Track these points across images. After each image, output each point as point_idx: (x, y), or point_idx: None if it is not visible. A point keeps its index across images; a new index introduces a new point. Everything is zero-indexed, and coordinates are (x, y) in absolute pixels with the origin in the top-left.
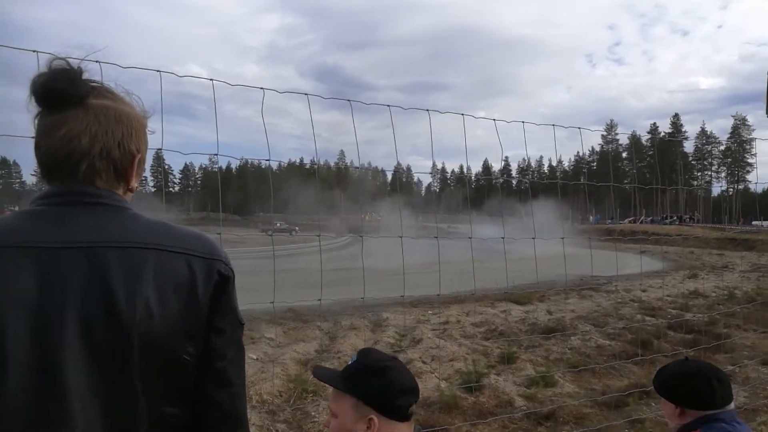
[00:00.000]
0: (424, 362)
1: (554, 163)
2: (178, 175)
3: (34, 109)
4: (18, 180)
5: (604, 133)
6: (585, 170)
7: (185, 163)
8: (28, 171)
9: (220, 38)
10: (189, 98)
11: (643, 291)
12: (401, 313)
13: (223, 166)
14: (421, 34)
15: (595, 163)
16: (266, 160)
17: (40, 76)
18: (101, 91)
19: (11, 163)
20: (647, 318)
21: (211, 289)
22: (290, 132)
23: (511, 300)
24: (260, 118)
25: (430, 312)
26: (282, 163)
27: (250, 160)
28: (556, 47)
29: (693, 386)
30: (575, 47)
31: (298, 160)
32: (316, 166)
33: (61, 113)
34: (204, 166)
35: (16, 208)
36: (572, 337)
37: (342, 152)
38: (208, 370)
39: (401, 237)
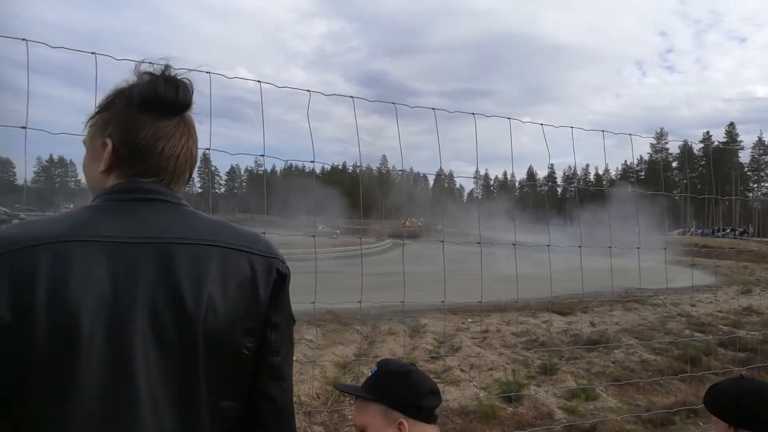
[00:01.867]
0: (462, 370)
1: (601, 171)
2: (224, 177)
3: (127, 107)
4: (74, 179)
5: (654, 141)
6: (633, 179)
7: (231, 165)
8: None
9: (268, 44)
10: (237, 102)
11: (692, 305)
12: (440, 320)
13: (268, 168)
14: (466, 40)
15: (643, 172)
16: (311, 161)
17: (167, 82)
18: None
19: (68, 162)
20: (696, 333)
21: (270, 286)
22: (333, 136)
23: (553, 310)
24: (305, 122)
25: (469, 320)
26: (325, 167)
27: (294, 163)
28: (605, 54)
29: (748, 405)
30: (625, 54)
31: (340, 164)
32: (358, 170)
33: (172, 120)
34: (249, 168)
35: (71, 206)
36: (616, 350)
37: (384, 157)
38: (264, 365)
39: (443, 242)
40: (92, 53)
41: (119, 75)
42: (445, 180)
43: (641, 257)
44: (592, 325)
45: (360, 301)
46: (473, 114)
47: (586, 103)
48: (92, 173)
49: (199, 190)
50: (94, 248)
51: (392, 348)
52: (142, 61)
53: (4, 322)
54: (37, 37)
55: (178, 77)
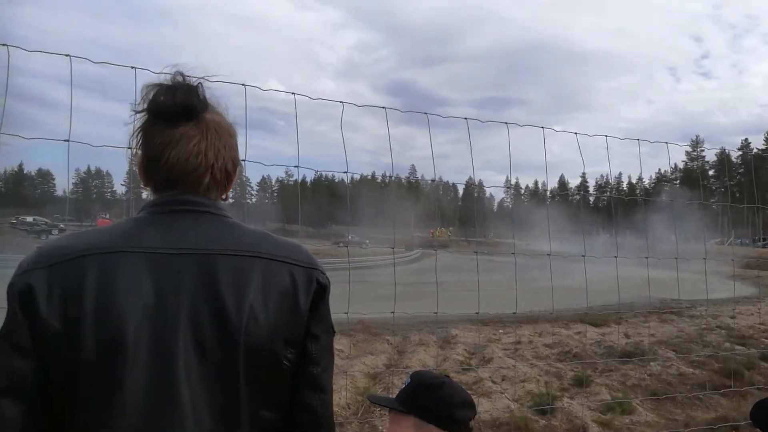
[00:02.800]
0: (494, 382)
1: (634, 180)
2: (255, 187)
3: (145, 118)
4: (110, 189)
5: (689, 149)
6: (667, 187)
7: (263, 176)
8: (119, 181)
9: (298, 55)
10: (268, 113)
11: (732, 318)
12: (471, 331)
13: (299, 179)
14: (494, 48)
15: (678, 181)
16: (344, 172)
17: (168, 89)
18: (212, 106)
19: (105, 173)
20: (737, 347)
21: (310, 297)
22: (362, 146)
23: (587, 321)
24: (335, 132)
25: (501, 331)
26: (354, 177)
27: (324, 174)
28: (636, 60)
29: None
30: (657, 60)
31: (370, 174)
32: (389, 179)
33: (183, 126)
34: (281, 179)
35: (107, 215)
36: (652, 363)
37: (413, 166)
38: (304, 376)
39: (476, 253)
40: (132, 67)
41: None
42: (475, 189)
43: (678, 267)
44: (627, 336)
45: (393, 312)
46: (506, 123)
47: (618, 110)
48: (142, 183)
49: (231, 201)
50: (139, 259)
51: (423, 359)
52: (178, 73)
53: (55, 329)
54: (75, 52)
55: (185, 82)
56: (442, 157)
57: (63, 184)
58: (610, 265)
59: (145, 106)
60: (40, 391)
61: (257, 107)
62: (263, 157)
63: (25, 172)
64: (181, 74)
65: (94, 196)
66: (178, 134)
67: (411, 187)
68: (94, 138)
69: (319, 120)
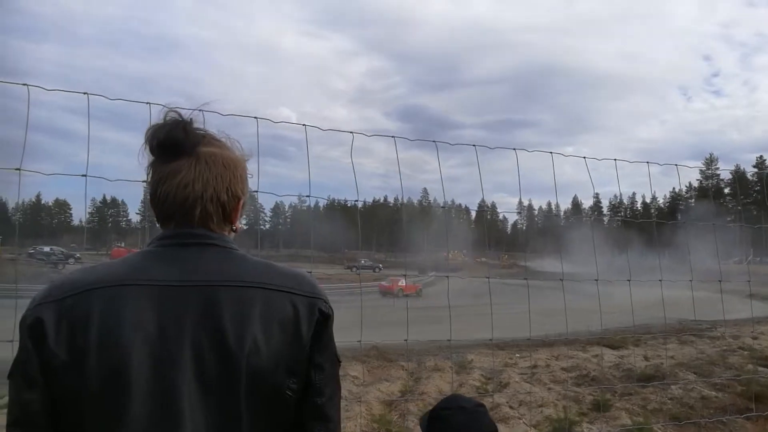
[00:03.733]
0: (511, 407)
1: (648, 200)
2: (268, 213)
3: (149, 157)
4: (124, 218)
5: (703, 167)
6: (682, 207)
7: (276, 202)
8: (134, 210)
9: (309, 83)
10: (280, 140)
11: (755, 338)
12: (487, 355)
13: (312, 205)
14: (504, 72)
15: (693, 200)
16: (355, 201)
17: (156, 128)
18: (209, 139)
19: (120, 202)
20: (760, 368)
21: (312, 326)
22: (374, 171)
23: (603, 344)
24: (346, 158)
25: (517, 355)
26: (366, 202)
27: (335, 198)
28: (647, 81)
29: None
30: (668, 80)
31: (381, 198)
32: (401, 204)
33: (175, 162)
34: (293, 204)
35: (122, 244)
36: (673, 386)
37: (425, 190)
38: (307, 406)
39: (488, 278)
40: (147, 103)
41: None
42: (487, 212)
43: (695, 287)
44: (646, 359)
45: (407, 339)
46: (514, 149)
47: (630, 130)
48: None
49: (245, 227)
50: (144, 292)
51: (439, 385)
52: (170, 109)
53: (62, 361)
54: (93, 84)
55: (175, 118)
56: (453, 180)
57: (79, 213)
58: (623, 286)
59: (146, 145)
60: (49, 421)
61: (269, 134)
62: (276, 183)
63: (42, 202)
64: (175, 111)
65: (110, 225)
66: (168, 169)
67: (423, 210)
68: (110, 168)
69: (331, 146)
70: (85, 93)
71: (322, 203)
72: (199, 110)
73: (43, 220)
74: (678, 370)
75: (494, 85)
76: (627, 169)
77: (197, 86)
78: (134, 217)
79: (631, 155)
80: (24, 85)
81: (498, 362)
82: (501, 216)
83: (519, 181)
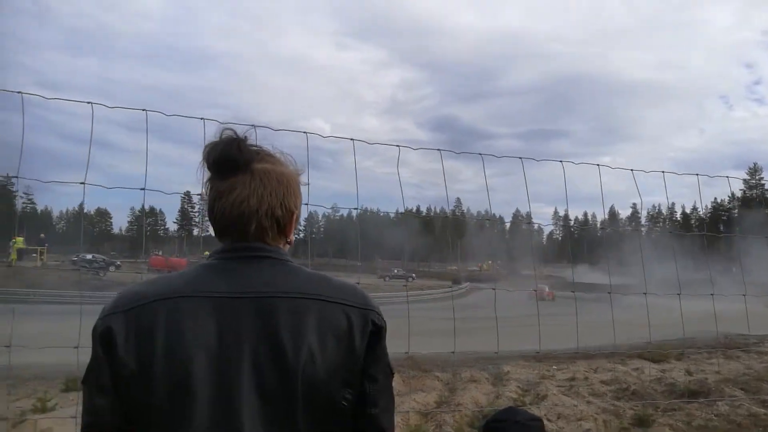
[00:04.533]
0: (549, 420)
1: (688, 210)
2: (302, 223)
3: (206, 173)
4: (162, 227)
5: (747, 177)
6: (725, 217)
7: (309, 212)
8: (171, 219)
9: (341, 94)
10: (314, 151)
11: None
12: (524, 367)
13: (345, 214)
14: (537, 82)
15: (736, 210)
16: (393, 213)
17: (212, 145)
18: (263, 155)
19: (158, 211)
20: None
21: (366, 337)
22: (408, 180)
23: (644, 357)
24: (378, 168)
25: (554, 367)
26: (400, 211)
27: (368, 208)
28: (685, 90)
29: None
30: (707, 88)
31: (414, 208)
32: (434, 214)
33: (231, 178)
34: (326, 214)
35: (160, 252)
36: (719, 402)
37: (458, 200)
38: (362, 417)
39: (535, 291)
40: (201, 119)
41: (208, 130)
42: (522, 222)
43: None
44: (689, 373)
45: (454, 351)
46: (561, 162)
47: (667, 140)
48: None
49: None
50: (204, 303)
51: (475, 396)
52: (225, 127)
53: (131, 370)
54: (133, 98)
55: (230, 136)
56: (490, 190)
57: (118, 222)
58: (666, 299)
59: (203, 162)
60: (119, 426)
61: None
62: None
63: (85, 211)
64: (230, 129)
65: (148, 233)
66: (224, 186)
67: (457, 220)
68: (151, 178)
69: (365, 156)
70: (143, 110)
71: (355, 213)
72: (252, 126)
73: (85, 229)
74: (724, 386)
75: (526, 95)
76: (667, 180)
77: (232, 99)
78: (172, 226)
79: (668, 165)
80: (89, 103)
81: (535, 374)
82: (536, 226)
83: (565, 191)
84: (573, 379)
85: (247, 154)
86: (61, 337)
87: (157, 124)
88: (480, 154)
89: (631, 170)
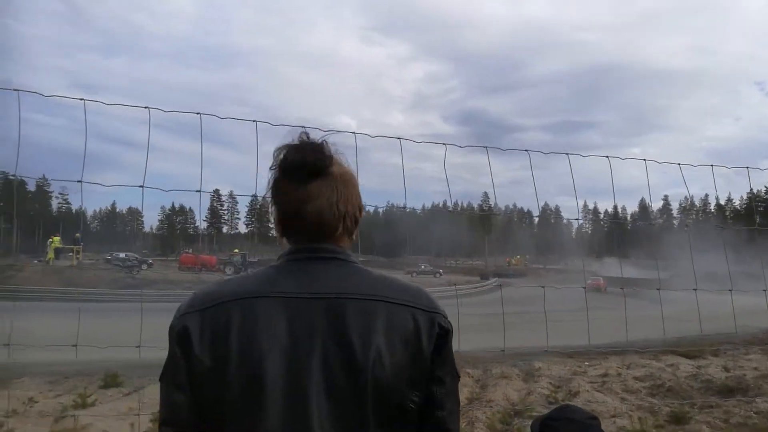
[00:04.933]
0: None
1: (722, 201)
2: None
3: (275, 175)
4: (192, 225)
5: None
6: (761, 208)
7: None
8: (201, 217)
9: (367, 90)
10: (340, 147)
11: None
12: (555, 363)
13: (371, 210)
14: (564, 72)
15: None
16: (420, 211)
17: (291, 149)
18: (335, 158)
19: (188, 210)
20: None
21: (433, 340)
22: (434, 175)
23: (678, 353)
24: (407, 163)
25: (586, 363)
26: (425, 206)
27: (395, 204)
28: (718, 76)
29: None
30: (742, 75)
31: (441, 203)
32: (460, 208)
33: (315, 182)
34: None
35: (190, 250)
36: (758, 399)
37: (485, 194)
38: (429, 419)
39: (584, 288)
40: (253, 121)
41: (236, 130)
42: (551, 216)
43: None
44: (726, 369)
45: (503, 350)
46: (567, 154)
47: (700, 129)
48: (277, 234)
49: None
50: (276, 304)
51: (506, 392)
52: (302, 131)
53: (206, 367)
54: (158, 95)
55: (312, 140)
56: (517, 183)
57: (149, 221)
58: (703, 293)
59: (277, 165)
60: (195, 423)
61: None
62: None
63: (117, 211)
64: (306, 134)
65: (178, 232)
66: (312, 190)
67: (484, 214)
68: (180, 179)
69: (391, 153)
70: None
71: (381, 209)
72: (301, 127)
73: (118, 228)
74: (763, 383)
75: (554, 86)
76: (699, 171)
77: (258, 96)
78: (201, 224)
79: (702, 154)
80: (146, 108)
81: (566, 370)
82: (565, 220)
83: (613, 187)
84: (605, 375)
85: (329, 159)
86: (98, 334)
87: (188, 126)
88: (485, 146)
89: (679, 164)
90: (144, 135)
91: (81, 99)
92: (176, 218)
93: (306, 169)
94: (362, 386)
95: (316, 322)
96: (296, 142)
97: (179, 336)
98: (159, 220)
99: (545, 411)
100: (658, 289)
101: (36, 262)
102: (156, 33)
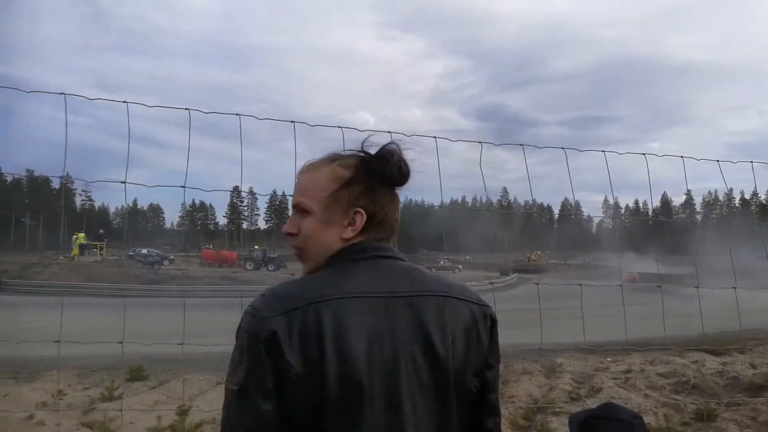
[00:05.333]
0: None
1: (747, 196)
2: None
3: (364, 174)
4: (212, 221)
5: None
6: None
7: None
8: (221, 213)
9: (385, 86)
10: (357, 144)
11: None
12: (577, 359)
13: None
14: (584, 67)
15: None
16: (438, 206)
17: (395, 157)
18: None
19: (208, 206)
20: None
21: (487, 331)
22: (452, 171)
23: (703, 349)
24: (425, 159)
25: (609, 359)
26: (444, 201)
27: (413, 200)
28: (742, 69)
29: None
30: (767, 67)
31: (459, 198)
32: (480, 203)
33: (397, 189)
34: None
35: (211, 246)
36: None
37: (504, 189)
38: (485, 403)
39: (621, 286)
40: (339, 127)
41: (255, 128)
42: (571, 211)
43: None
44: (753, 366)
45: (540, 345)
46: (580, 150)
47: (722, 122)
48: (326, 239)
49: None
50: (362, 304)
51: (528, 388)
52: (390, 141)
53: (297, 372)
54: (181, 94)
55: (401, 152)
56: (537, 178)
57: (171, 217)
58: (726, 290)
59: (373, 171)
60: (281, 430)
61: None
62: None
63: (138, 207)
64: (396, 144)
65: (199, 228)
66: (394, 197)
67: (503, 210)
68: (207, 175)
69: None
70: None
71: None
72: (339, 127)
73: (139, 224)
74: None
75: (574, 81)
76: (722, 166)
77: (277, 94)
78: (221, 220)
79: (724, 149)
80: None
81: (589, 366)
82: (586, 214)
83: (649, 181)
84: (629, 371)
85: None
86: (122, 328)
87: (207, 123)
88: (501, 144)
89: (719, 162)
90: (162, 133)
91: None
92: (197, 215)
93: (403, 181)
94: (446, 380)
95: (399, 320)
96: (390, 149)
97: (267, 341)
98: (180, 217)
99: (568, 407)
100: (697, 287)
101: (61, 258)
102: (174, 31)
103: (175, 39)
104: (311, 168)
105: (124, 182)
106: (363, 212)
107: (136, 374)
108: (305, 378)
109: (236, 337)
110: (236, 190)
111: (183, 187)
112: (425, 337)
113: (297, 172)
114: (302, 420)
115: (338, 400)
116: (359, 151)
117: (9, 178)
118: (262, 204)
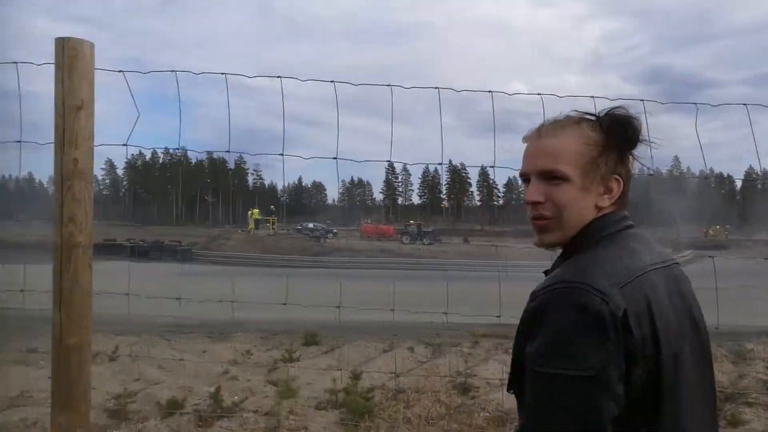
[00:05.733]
0: None
1: None
2: (502, 189)
3: (630, 148)
4: (370, 197)
5: None
6: None
7: (508, 177)
8: (377, 189)
9: (540, 54)
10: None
11: None
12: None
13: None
14: (764, 19)
15: None
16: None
17: (639, 125)
18: None
19: (366, 183)
20: None
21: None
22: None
23: None
24: None
25: None
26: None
27: None
28: None
29: None
30: None
31: None
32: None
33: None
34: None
35: (369, 221)
36: None
37: (676, 158)
38: None
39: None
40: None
41: (407, 104)
42: (758, 181)
43: None
44: None
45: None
46: (745, 105)
47: None
48: (583, 207)
49: (479, 203)
50: (657, 276)
51: (716, 377)
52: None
53: (642, 351)
54: (339, 77)
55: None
56: (714, 146)
57: (332, 193)
58: None
59: (627, 138)
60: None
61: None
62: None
63: (303, 185)
64: (624, 108)
65: (357, 203)
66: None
67: (674, 180)
68: (361, 152)
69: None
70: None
71: None
72: (489, 91)
73: (304, 200)
74: None
75: (754, 35)
76: None
77: (432, 68)
78: (378, 196)
79: None
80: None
81: None
82: None
83: None
84: None
85: None
86: (299, 297)
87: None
88: (695, 103)
89: None
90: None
91: (278, 77)
92: (355, 191)
93: (638, 144)
94: (708, 348)
95: (677, 290)
96: (626, 113)
97: (620, 320)
98: (340, 193)
99: (764, 399)
100: None
101: (240, 231)
102: (333, 16)
103: (333, 22)
104: (555, 130)
105: (282, 154)
106: (621, 179)
107: (311, 339)
108: (646, 358)
109: (553, 316)
110: (390, 165)
111: (335, 158)
112: (690, 306)
113: (524, 137)
114: (644, 404)
115: (671, 381)
116: (590, 114)
117: (193, 161)
118: (416, 180)
